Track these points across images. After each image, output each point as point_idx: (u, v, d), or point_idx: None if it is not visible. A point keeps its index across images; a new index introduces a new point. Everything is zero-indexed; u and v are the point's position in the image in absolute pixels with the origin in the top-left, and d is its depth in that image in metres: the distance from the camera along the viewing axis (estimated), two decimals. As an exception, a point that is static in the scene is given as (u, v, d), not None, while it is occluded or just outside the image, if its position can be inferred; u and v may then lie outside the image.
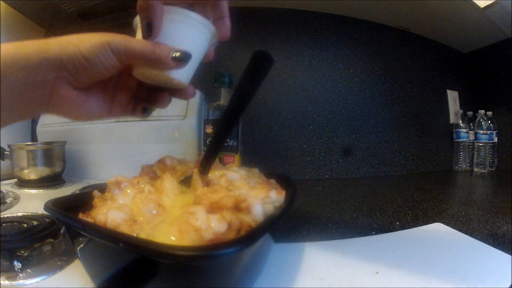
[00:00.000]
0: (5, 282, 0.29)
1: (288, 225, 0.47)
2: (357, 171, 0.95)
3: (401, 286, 0.30)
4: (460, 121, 1.06)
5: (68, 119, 0.31)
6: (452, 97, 1.10)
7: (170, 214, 0.28)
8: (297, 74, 0.93)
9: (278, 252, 0.36)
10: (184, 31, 0.30)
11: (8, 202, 0.59)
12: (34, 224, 0.40)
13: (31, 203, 0.61)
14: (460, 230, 0.44)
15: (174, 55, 0.28)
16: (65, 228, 0.35)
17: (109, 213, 0.25)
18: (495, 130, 1.01)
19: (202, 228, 0.23)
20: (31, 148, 0.75)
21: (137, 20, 0.31)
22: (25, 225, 0.40)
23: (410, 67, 1.04)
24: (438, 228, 0.46)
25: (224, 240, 0.23)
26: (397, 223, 0.49)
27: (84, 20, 0.86)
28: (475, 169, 1.03)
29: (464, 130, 1.05)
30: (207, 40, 0.32)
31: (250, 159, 0.83)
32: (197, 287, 0.22)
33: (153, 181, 0.33)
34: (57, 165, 0.78)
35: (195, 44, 0.31)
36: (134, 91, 0.34)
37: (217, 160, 0.36)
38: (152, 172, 0.36)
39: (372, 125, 0.98)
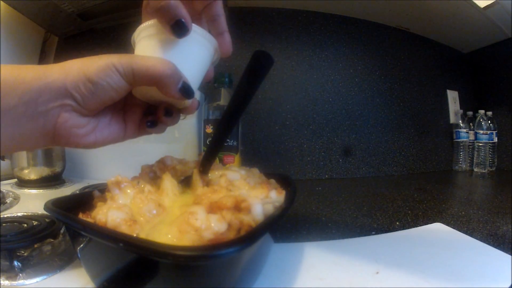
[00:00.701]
0: (5, 282, 0.29)
1: (288, 225, 0.47)
2: (357, 171, 0.95)
3: (401, 286, 0.30)
4: (460, 121, 1.06)
5: (80, 148, 0.28)
6: (452, 97, 1.10)
7: (170, 214, 0.28)
8: (297, 74, 0.93)
9: (278, 252, 0.36)
10: (191, 47, 0.29)
11: (8, 202, 0.59)
12: (34, 224, 0.40)
13: (31, 203, 0.61)
14: (460, 230, 0.44)
15: (182, 86, 0.27)
16: (65, 228, 0.35)
17: (109, 213, 0.25)
18: (495, 130, 1.01)
19: (202, 228, 0.23)
20: (31, 148, 0.75)
21: (136, 35, 0.30)
22: (25, 225, 0.40)
23: (410, 67, 1.04)
24: (438, 228, 0.46)
25: (224, 240, 0.23)
26: (397, 223, 0.49)
27: (84, 20, 0.85)
28: (475, 169, 1.03)
29: (464, 130, 1.05)
30: (211, 56, 0.31)
31: (250, 159, 0.83)
32: (197, 287, 0.22)
33: (153, 181, 0.33)
34: (57, 165, 0.78)
35: (201, 59, 0.30)
36: (144, 107, 0.32)
37: (217, 160, 0.36)
38: (152, 172, 0.36)
39: (372, 125, 0.98)
